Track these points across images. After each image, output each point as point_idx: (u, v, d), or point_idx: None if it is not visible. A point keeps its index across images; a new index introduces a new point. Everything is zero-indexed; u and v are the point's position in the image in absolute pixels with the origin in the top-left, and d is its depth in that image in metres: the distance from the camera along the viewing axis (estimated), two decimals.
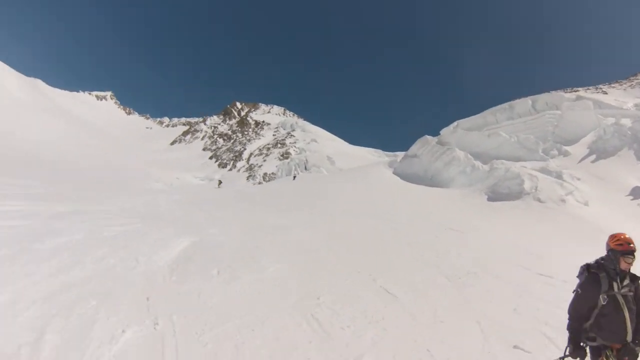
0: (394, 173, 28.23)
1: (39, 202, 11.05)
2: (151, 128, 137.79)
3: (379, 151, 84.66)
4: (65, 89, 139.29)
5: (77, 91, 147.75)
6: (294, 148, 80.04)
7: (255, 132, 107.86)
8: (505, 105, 31.79)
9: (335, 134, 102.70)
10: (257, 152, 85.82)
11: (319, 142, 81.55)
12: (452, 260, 8.45)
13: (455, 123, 31.78)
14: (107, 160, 52.31)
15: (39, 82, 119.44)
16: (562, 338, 3.96)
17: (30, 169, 24.96)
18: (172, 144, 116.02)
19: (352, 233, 11.39)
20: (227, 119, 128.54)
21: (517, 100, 31.82)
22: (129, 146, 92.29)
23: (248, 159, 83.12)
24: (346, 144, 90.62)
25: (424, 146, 27.90)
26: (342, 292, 6.05)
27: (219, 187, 24.00)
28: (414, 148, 28.79)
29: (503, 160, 21.61)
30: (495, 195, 17.90)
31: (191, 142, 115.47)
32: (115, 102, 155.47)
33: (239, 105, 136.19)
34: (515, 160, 22.34)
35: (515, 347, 4.46)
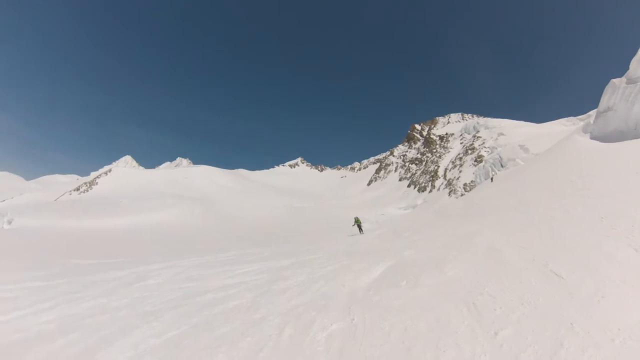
0: (592, 138, 24.25)
1: (268, 262, 14.79)
2: (345, 176, 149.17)
3: (572, 118, 74.39)
4: (263, 169, 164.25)
5: (273, 167, 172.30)
6: (484, 149, 76.25)
7: (442, 146, 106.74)
8: None
9: (522, 119, 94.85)
10: (450, 165, 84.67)
11: (507, 133, 75.67)
12: None
13: None
14: (311, 217, 59.20)
15: (242, 171, 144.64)
16: None
17: (253, 240, 30.97)
18: (368, 184, 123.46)
19: (536, 222, 11.50)
20: (411, 143, 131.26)
21: None
22: (329, 198, 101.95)
23: (445, 175, 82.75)
24: (535, 125, 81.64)
25: (614, 93, 23.41)
26: (508, 281, 6.81)
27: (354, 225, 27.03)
28: (604, 100, 24.25)
29: None
30: None
31: (386, 177, 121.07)
32: (307, 165, 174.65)
33: (417, 127, 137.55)
34: None
35: None
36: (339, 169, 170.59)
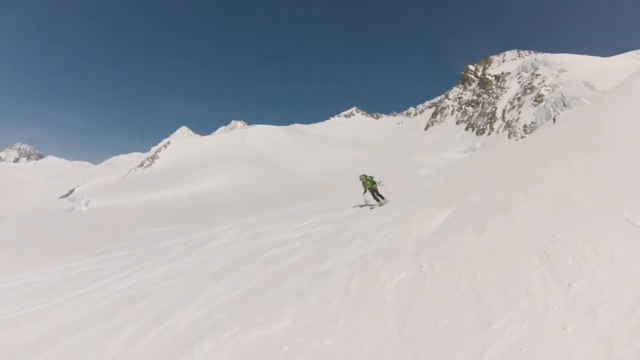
0: None
1: (330, 213, 15.06)
2: (402, 122, 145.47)
3: None
4: (318, 122, 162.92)
5: (328, 118, 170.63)
6: (544, 88, 71.33)
7: (499, 86, 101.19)
8: None
9: (585, 53, 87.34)
10: (508, 106, 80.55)
11: (569, 69, 70.11)
12: None
13: None
14: (369, 166, 58.50)
15: (297, 126, 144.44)
16: None
17: (314, 193, 31.12)
18: (425, 129, 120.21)
19: (607, 166, 10.70)
20: (466, 85, 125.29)
21: None
22: (386, 145, 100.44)
23: (503, 117, 79.21)
24: (601, 59, 74.68)
25: None
26: (580, 229, 6.29)
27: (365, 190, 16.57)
28: None
29: None
30: None
31: (442, 121, 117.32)
32: (362, 113, 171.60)
33: (471, 67, 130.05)
34: None
35: None
36: (395, 115, 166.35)
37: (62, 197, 77.29)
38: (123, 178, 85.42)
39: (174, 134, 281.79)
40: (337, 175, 52.02)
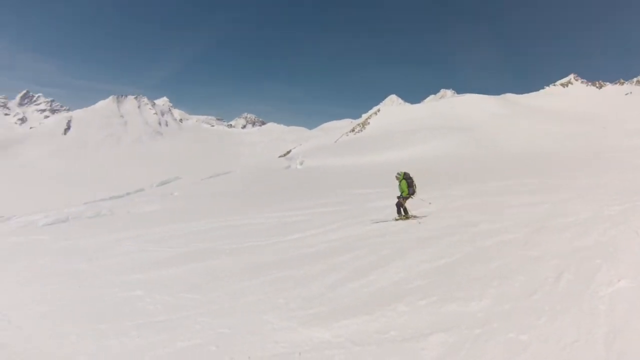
0: None
1: (543, 192, 14.08)
2: (630, 93, 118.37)
3: None
4: (531, 92, 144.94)
5: (542, 87, 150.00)
6: None
7: None
8: None
9: None
10: None
11: None
12: None
13: None
14: (589, 143, 50.04)
15: (509, 96, 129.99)
16: None
17: (525, 169, 28.23)
18: None
19: None
20: None
21: None
22: (609, 121, 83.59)
23: None
24: None
25: None
26: None
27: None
28: None
29: None
30: None
31: None
32: (582, 82, 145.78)
33: None
34: None
35: None
36: (622, 83, 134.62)
37: (280, 156, 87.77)
38: (335, 142, 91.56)
39: (383, 101, 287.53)
40: (553, 151, 45.95)
